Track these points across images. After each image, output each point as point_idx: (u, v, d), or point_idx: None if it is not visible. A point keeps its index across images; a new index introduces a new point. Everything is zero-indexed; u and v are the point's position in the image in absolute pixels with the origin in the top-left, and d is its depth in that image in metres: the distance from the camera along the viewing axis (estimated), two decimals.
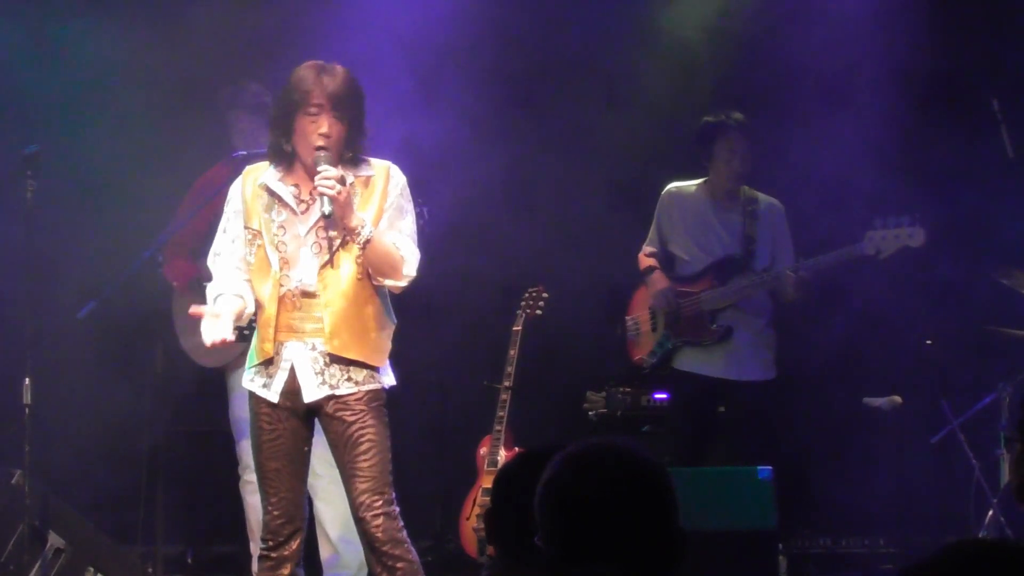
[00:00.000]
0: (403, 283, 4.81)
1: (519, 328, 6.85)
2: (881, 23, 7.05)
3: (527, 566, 2.80)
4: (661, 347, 6.57)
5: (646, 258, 6.66)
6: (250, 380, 4.83)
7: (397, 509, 4.76)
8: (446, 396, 7.72)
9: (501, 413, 6.74)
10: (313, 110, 4.71)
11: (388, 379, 4.86)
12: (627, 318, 6.78)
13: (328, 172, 4.66)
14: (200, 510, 7.28)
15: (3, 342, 6.08)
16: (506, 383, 6.75)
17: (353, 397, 4.74)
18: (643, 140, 7.33)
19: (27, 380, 5.70)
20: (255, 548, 6.13)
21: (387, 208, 4.79)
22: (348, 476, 4.75)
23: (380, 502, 4.71)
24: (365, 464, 4.70)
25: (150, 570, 6.50)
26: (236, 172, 5.04)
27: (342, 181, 4.68)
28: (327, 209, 4.64)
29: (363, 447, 4.71)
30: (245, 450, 6.14)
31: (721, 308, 6.43)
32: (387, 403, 4.86)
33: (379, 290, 4.83)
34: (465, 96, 7.00)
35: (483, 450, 6.77)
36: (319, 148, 4.69)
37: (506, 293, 7.15)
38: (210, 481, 7.14)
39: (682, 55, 7.42)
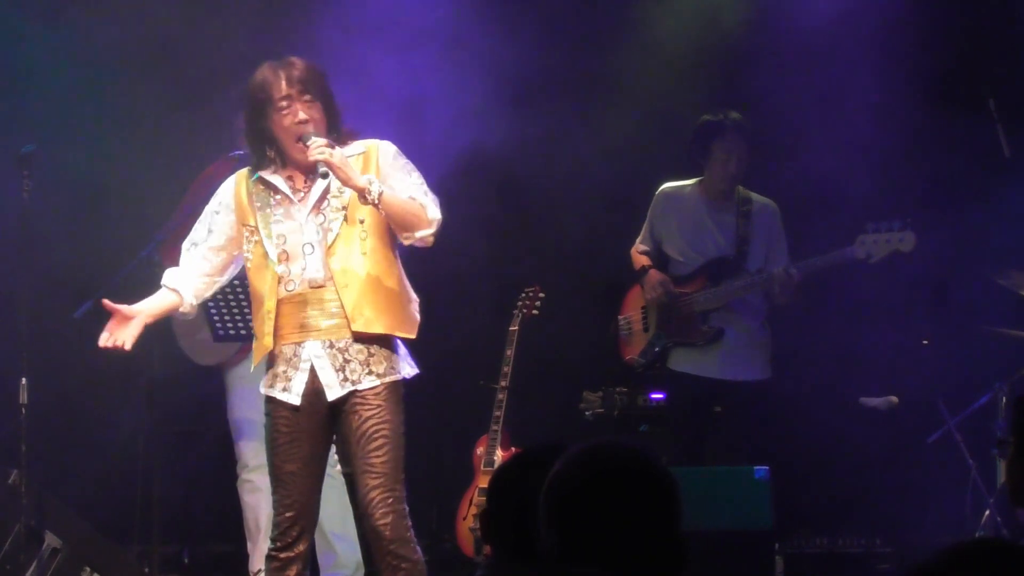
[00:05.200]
0: (432, 228, 4.70)
1: (516, 328, 6.85)
2: (877, 23, 7.05)
3: (523, 566, 2.80)
4: (652, 347, 6.56)
5: (640, 256, 6.63)
6: (268, 386, 4.74)
7: (406, 508, 4.70)
8: (442, 396, 7.71)
9: (498, 413, 6.75)
10: (283, 103, 4.67)
11: (408, 369, 4.80)
12: (619, 318, 6.77)
13: (318, 140, 4.61)
14: (197, 509, 7.28)
15: None
16: (503, 383, 6.75)
17: (372, 391, 4.67)
18: (640, 140, 7.32)
19: (23, 379, 5.70)
20: (252, 547, 6.13)
21: (387, 173, 4.72)
22: (359, 471, 4.66)
23: (391, 500, 4.64)
24: (378, 460, 4.63)
25: (147, 569, 6.49)
26: (234, 170, 5.02)
27: (332, 147, 4.61)
28: (323, 168, 4.57)
29: (377, 443, 4.64)
30: (244, 449, 6.13)
31: (713, 309, 6.42)
32: None
33: (392, 265, 4.76)
34: (461, 96, 6.99)
35: (480, 450, 6.78)
36: (302, 130, 4.64)
37: (502, 293, 7.14)
38: (207, 480, 7.13)
39: (680, 55, 7.41)
